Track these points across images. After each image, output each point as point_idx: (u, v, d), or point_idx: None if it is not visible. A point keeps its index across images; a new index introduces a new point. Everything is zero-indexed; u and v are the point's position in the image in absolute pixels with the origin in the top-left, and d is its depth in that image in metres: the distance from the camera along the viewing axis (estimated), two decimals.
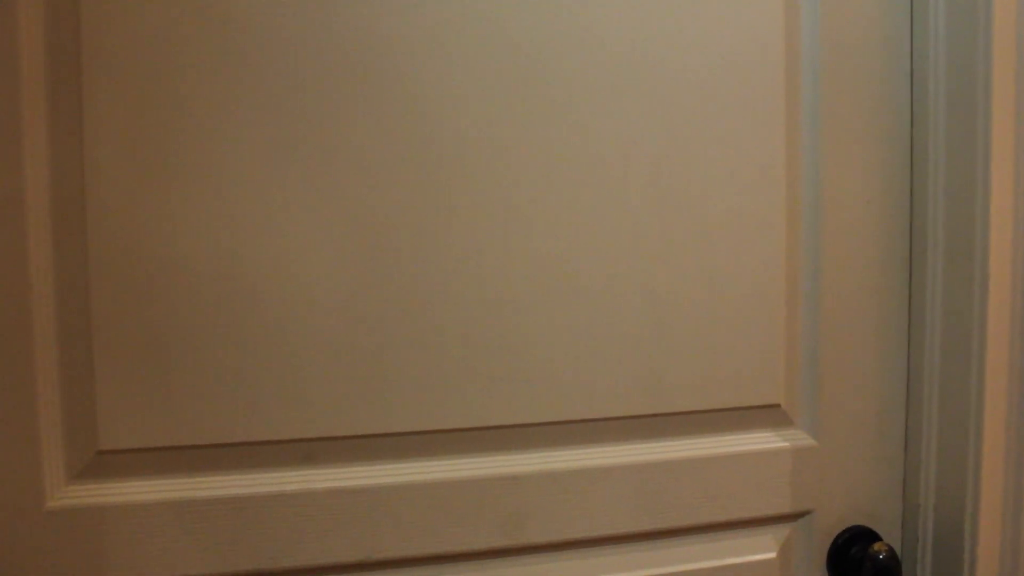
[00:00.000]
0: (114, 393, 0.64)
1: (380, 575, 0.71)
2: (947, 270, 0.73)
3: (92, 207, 0.63)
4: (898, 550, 0.84)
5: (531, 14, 0.71)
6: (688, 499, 0.77)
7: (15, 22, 0.61)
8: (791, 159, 0.79)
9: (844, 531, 0.84)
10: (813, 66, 0.79)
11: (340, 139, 0.67)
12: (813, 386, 0.81)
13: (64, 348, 0.63)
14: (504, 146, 0.71)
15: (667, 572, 0.77)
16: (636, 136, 0.74)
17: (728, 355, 0.78)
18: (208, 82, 0.64)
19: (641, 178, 0.75)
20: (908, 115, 0.82)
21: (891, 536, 0.84)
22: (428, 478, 0.71)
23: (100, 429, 0.64)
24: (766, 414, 0.80)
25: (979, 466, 0.71)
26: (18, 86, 0.61)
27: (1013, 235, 0.69)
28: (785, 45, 0.78)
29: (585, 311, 0.74)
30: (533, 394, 0.73)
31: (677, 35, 0.75)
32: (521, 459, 0.73)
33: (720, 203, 0.77)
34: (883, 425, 0.83)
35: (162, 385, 0.65)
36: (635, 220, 0.75)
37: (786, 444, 0.80)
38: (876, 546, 0.81)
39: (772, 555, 0.81)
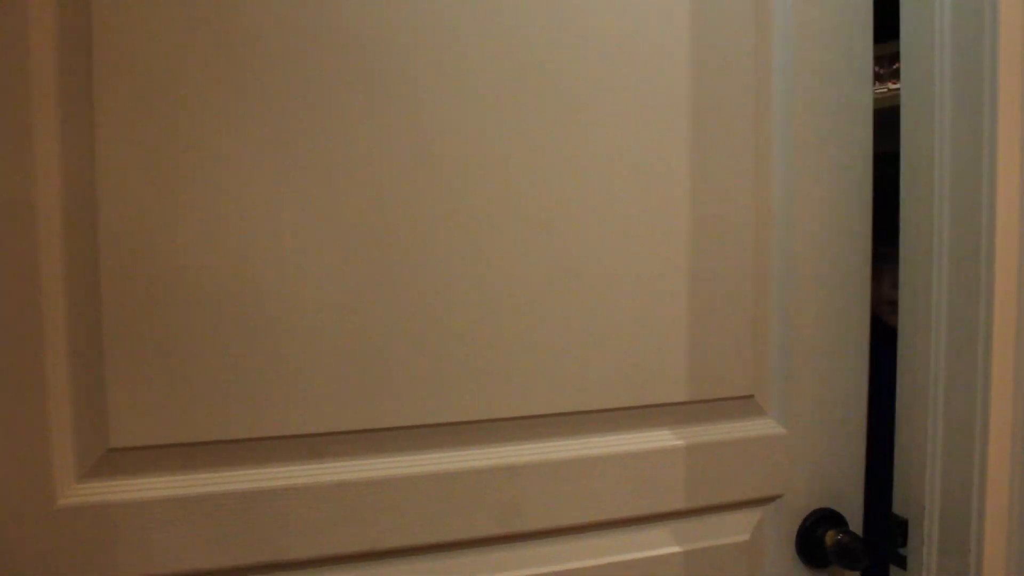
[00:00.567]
0: (124, 392, 0.64)
1: (385, 564, 0.72)
2: (952, 273, 0.71)
3: (103, 209, 0.63)
4: (860, 531, 0.87)
5: (531, 22, 0.73)
6: (671, 486, 0.80)
7: (25, 25, 0.60)
8: (760, 166, 0.82)
9: (811, 514, 0.87)
10: (783, 81, 0.83)
11: (341, 139, 0.67)
12: (783, 378, 0.84)
13: (75, 349, 0.63)
14: (503, 148, 0.72)
15: (651, 555, 0.80)
16: (624, 142, 0.76)
17: (707, 350, 0.81)
18: (214, 85, 0.64)
19: (627, 182, 0.77)
20: (869, 123, 0.86)
21: (854, 517, 0.87)
22: (429, 470, 0.72)
23: (111, 427, 0.64)
24: (741, 405, 0.84)
25: (984, 469, 0.69)
26: (29, 89, 0.60)
27: (1019, 238, 0.67)
28: (755, 64, 0.82)
29: (578, 309, 0.76)
30: (529, 388, 0.75)
31: (660, 49, 0.77)
32: (518, 450, 0.75)
33: (698, 206, 0.79)
34: (846, 414, 0.87)
35: (171, 383, 0.66)
36: (624, 222, 0.77)
37: (759, 433, 0.84)
38: (843, 529, 0.86)
39: (745, 537, 0.84)
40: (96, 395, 0.64)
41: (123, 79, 0.62)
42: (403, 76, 0.69)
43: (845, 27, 0.85)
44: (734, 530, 0.84)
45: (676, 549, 0.81)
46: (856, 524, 0.87)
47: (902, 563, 0.79)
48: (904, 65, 0.75)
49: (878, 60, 1.90)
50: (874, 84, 1.88)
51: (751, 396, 0.84)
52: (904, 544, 0.78)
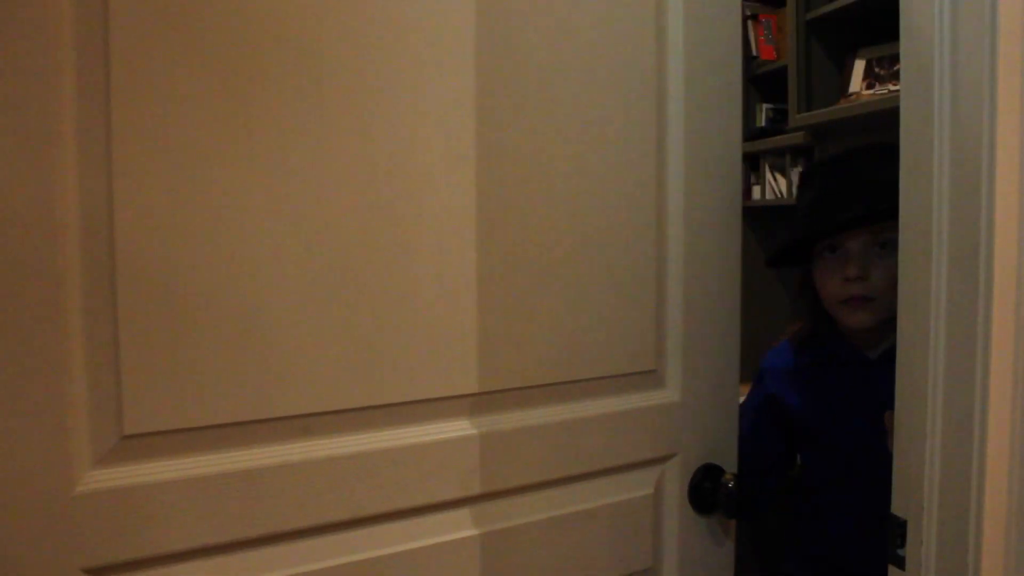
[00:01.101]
0: (138, 382, 0.66)
1: (365, 530, 0.78)
2: (951, 273, 0.70)
3: (118, 212, 0.65)
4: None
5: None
6: (592, 449, 0.91)
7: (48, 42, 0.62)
8: (660, 178, 0.95)
9: (699, 468, 1.00)
10: (677, 106, 0.96)
11: (320, 151, 0.74)
12: (679, 355, 0.97)
13: (92, 344, 0.65)
14: (467, 142, 0.80)
15: (580, 509, 0.91)
16: (557, 149, 0.87)
17: (620, 332, 0.93)
18: (217, 106, 0.69)
19: (561, 186, 0.87)
20: (738, 146, 1.03)
21: (731, 469, 1.02)
22: (403, 443, 0.79)
23: (125, 416, 0.66)
24: (646, 378, 0.96)
25: (983, 469, 0.68)
26: (52, 103, 0.62)
27: (1018, 238, 0.66)
28: (656, 98, 0.95)
29: (516, 300, 0.85)
30: (482, 368, 0.83)
31: (591, 80, 0.90)
32: (473, 423, 0.83)
33: (612, 212, 0.91)
34: (725, 383, 1.02)
35: (180, 373, 0.68)
36: (562, 223, 0.87)
37: (660, 401, 0.96)
38: (725, 477, 0.99)
39: (650, 491, 0.97)
40: (112, 386, 0.66)
41: (135, 96, 0.66)
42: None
43: (725, 65, 1.02)
44: (641, 485, 0.96)
45: (597, 504, 0.92)
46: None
47: (900, 563, 0.79)
48: (904, 66, 0.76)
49: (878, 62, 1.91)
50: (874, 86, 1.89)
51: (654, 370, 0.96)
52: (903, 545, 0.77)
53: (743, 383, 1.07)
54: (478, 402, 0.83)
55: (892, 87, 1.86)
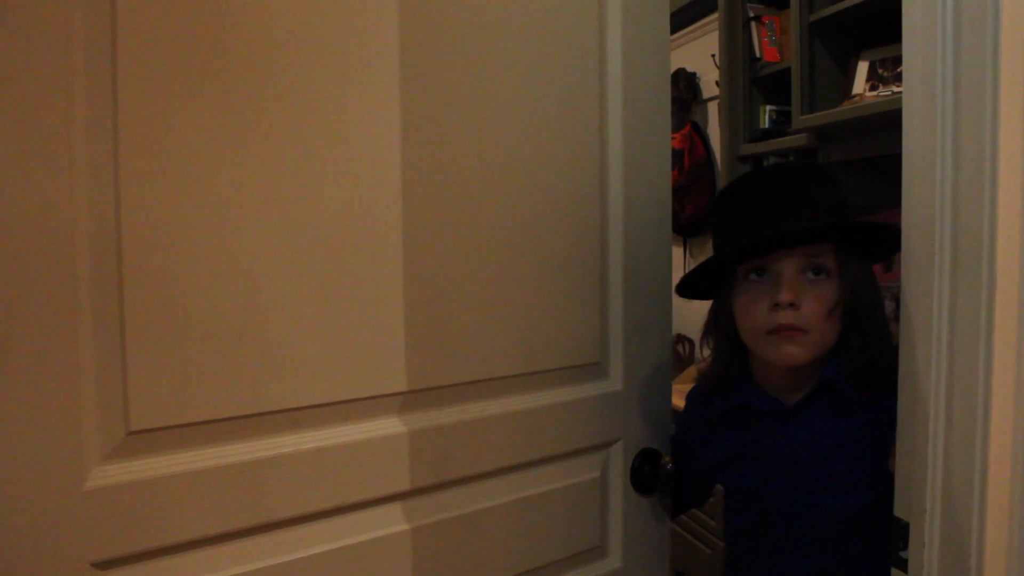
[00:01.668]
0: (143, 380, 0.70)
1: (350, 516, 0.83)
2: (953, 277, 0.69)
3: (125, 216, 0.68)
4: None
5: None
6: (546, 437, 0.99)
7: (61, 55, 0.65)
8: (602, 189, 1.03)
9: (639, 453, 1.06)
10: (616, 112, 1.04)
11: (290, 158, 0.78)
12: (620, 347, 1.05)
13: (100, 344, 0.68)
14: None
15: (535, 493, 0.98)
16: (502, 149, 0.94)
17: (568, 326, 1.00)
18: (217, 115, 0.73)
19: (508, 190, 0.94)
20: (668, 156, 1.11)
21: (666, 453, 1.10)
22: (382, 433, 0.84)
23: (131, 412, 0.69)
24: (592, 369, 1.04)
25: (985, 472, 0.67)
26: (57, 98, 0.65)
27: (1021, 240, 0.66)
28: (599, 113, 1.03)
29: (481, 300, 0.91)
30: (452, 362, 0.90)
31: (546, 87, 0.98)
32: (444, 413, 0.90)
33: (564, 219, 0.99)
34: (661, 373, 1.10)
35: (182, 371, 0.72)
36: (506, 226, 0.94)
37: (604, 391, 1.04)
38: (664, 460, 1.06)
39: (597, 474, 1.05)
40: (118, 384, 0.69)
41: (142, 106, 0.69)
42: None
43: (660, 74, 1.09)
44: (589, 469, 1.04)
45: (552, 487, 1.00)
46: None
47: (903, 566, 0.79)
48: (906, 69, 0.76)
49: (881, 63, 1.91)
50: (878, 87, 1.89)
51: (599, 362, 1.04)
52: (905, 547, 0.77)
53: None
54: (442, 394, 0.90)
55: (896, 89, 1.86)
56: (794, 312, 0.86)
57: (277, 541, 0.78)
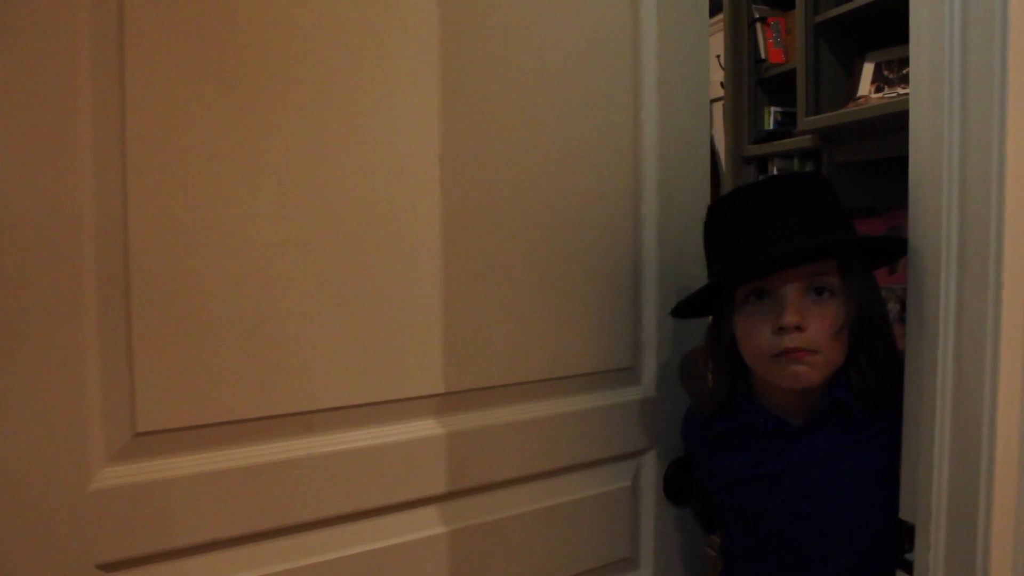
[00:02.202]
0: (150, 381, 0.68)
1: (365, 523, 0.81)
2: (960, 278, 0.69)
3: (132, 217, 0.67)
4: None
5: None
6: (573, 444, 0.95)
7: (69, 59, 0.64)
8: (636, 188, 1.00)
9: (673, 462, 1.03)
10: (651, 111, 1.01)
11: (303, 156, 0.76)
12: (653, 352, 1.02)
13: (106, 345, 0.66)
14: (434, 147, 0.83)
15: (563, 502, 0.95)
16: (536, 153, 0.92)
17: (600, 330, 0.97)
18: (229, 119, 0.71)
19: (541, 191, 0.92)
20: (707, 145, 1.09)
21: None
22: (399, 439, 0.82)
23: (137, 414, 0.68)
24: (623, 375, 1.00)
25: (992, 474, 0.67)
26: (65, 95, 0.64)
27: None
28: (633, 106, 1.00)
29: (508, 296, 0.89)
30: (476, 365, 0.87)
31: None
32: (464, 418, 0.86)
33: (591, 208, 0.96)
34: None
35: (190, 372, 0.70)
36: (538, 229, 0.92)
37: (637, 397, 1.01)
38: (697, 471, 1.00)
39: (628, 484, 1.01)
40: (125, 385, 0.68)
41: (150, 103, 0.68)
42: None
43: (695, 81, 1.07)
44: (620, 477, 1.01)
45: (579, 496, 0.97)
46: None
47: (909, 568, 0.78)
48: (913, 70, 0.75)
49: (887, 65, 1.91)
50: (883, 89, 1.89)
51: (631, 367, 1.01)
52: (911, 550, 0.76)
53: None
54: (465, 399, 0.87)
55: (901, 90, 1.85)
56: (800, 335, 0.82)
57: (288, 546, 0.76)
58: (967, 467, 0.69)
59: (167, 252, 0.69)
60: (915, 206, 0.75)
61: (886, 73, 1.95)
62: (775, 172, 2.33)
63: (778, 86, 2.33)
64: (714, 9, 2.47)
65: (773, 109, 2.36)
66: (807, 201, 0.86)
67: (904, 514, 0.77)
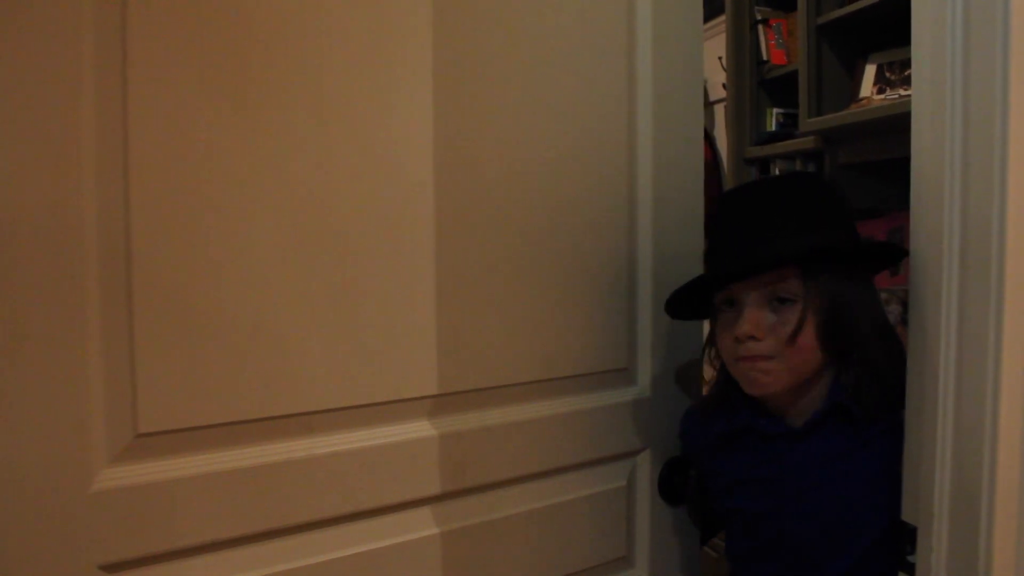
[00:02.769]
0: (152, 382, 0.68)
1: (364, 523, 0.81)
2: (962, 280, 0.69)
3: (135, 219, 0.67)
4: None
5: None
6: (568, 444, 0.96)
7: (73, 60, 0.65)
8: (631, 180, 1.01)
9: (668, 462, 1.04)
10: (646, 114, 1.02)
11: (302, 158, 0.76)
12: (648, 352, 1.02)
13: (108, 345, 0.67)
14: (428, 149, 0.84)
15: (559, 502, 0.96)
16: (532, 155, 0.92)
17: (595, 331, 0.98)
18: (233, 124, 0.71)
19: (537, 192, 0.92)
20: (701, 150, 1.08)
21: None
22: (398, 439, 0.82)
23: (139, 415, 0.68)
24: (618, 375, 1.01)
25: (994, 476, 0.67)
26: (68, 97, 0.64)
27: None
28: (628, 114, 1.01)
29: (504, 297, 0.90)
30: (473, 366, 0.87)
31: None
32: (461, 419, 0.87)
33: (587, 210, 0.96)
34: (691, 380, 1.07)
35: (192, 373, 0.70)
36: (534, 229, 0.92)
37: (631, 398, 1.01)
38: (691, 471, 1.02)
39: (623, 483, 1.02)
40: (127, 385, 0.68)
41: (152, 104, 0.68)
42: None
43: (689, 82, 1.07)
44: (615, 477, 1.01)
45: (575, 496, 0.97)
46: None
47: (911, 570, 0.78)
48: (915, 71, 0.75)
49: (889, 67, 1.90)
50: (885, 90, 1.88)
51: (625, 368, 1.02)
52: (912, 552, 0.76)
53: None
54: (463, 399, 0.87)
55: (903, 92, 1.85)
56: (755, 344, 0.84)
57: (289, 547, 0.77)
58: (969, 469, 0.69)
59: (169, 254, 0.69)
60: (917, 207, 0.75)
61: (888, 75, 1.95)
62: (777, 173, 2.33)
63: (780, 87, 2.33)
64: (716, 11, 2.47)
65: (775, 110, 2.36)
66: (777, 207, 0.87)
67: (906, 516, 0.77)
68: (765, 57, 2.33)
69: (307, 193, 0.75)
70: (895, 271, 1.59)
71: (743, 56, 2.37)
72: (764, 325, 0.84)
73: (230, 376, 0.72)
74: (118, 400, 0.67)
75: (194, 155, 0.69)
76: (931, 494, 0.73)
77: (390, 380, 0.81)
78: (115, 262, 0.67)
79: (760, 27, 2.33)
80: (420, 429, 0.84)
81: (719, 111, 2.70)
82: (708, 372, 1.05)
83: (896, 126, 1.74)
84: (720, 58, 2.49)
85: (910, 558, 0.77)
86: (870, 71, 1.98)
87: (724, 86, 2.50)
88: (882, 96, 1.92)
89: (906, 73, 1.87)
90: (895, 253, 0.91)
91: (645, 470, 1.03)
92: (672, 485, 1.04)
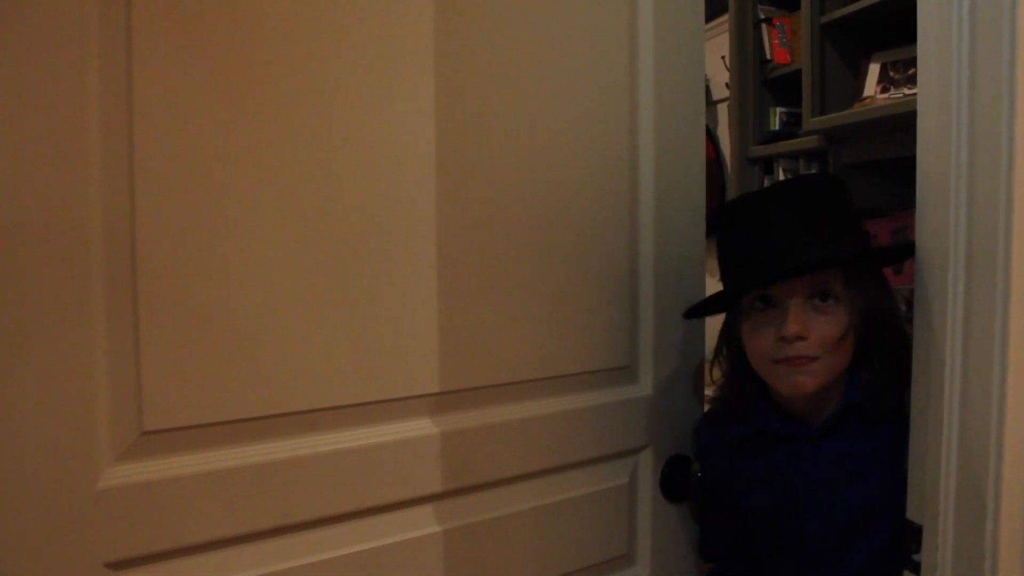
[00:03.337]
0: (157, 380, 0.69)
1: (368, 520, 0.81)
2: (968, 278, 0.69)
3: (140, 219, 0.67)
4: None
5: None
6: (570, 442, 0.96)
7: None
8: (632, 195, 1.01)
9: (669, 460, 1.03)
10: (647, 114, 1.02)
11: (307, 158, 0.76)
12: (650, 350, 1.02)
13: (113, 343, 0.67)
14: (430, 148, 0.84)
15: (561, 499, 0.96)
16: (534, 157, 0.92)
17: (597, 329, 0.98)
18: (239, 131, 0.72)
19: (539, 193, 0.93)
20: (703, 150, 1.09)
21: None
22: (401, 437, 0.82)
23: (144, 412, 0.68)
24: (620, 373, 1.01)
25: (1000, 475, 0.66)
26: (73, 96, 0.64)
27: None
28: (629, 121, 1.01)
29: (506, 295, 0.90)
30: (476, 364, 0.88)
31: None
32: (467, 416, 0.87)
33: (590, 210, 0.96)
34: (693, 378, 1.07)
35: (197, 371, 0.70)
36: (536, 228, 0.92)
37: (633, 395, 1.01)
38: (694, 467, 1.03)
39: (625, 481, 1.02)
40: (132, 383, 0.68)
41: (157, 105, 0.69)
42: None
43: (690, 82, 1.07)
44: (617, 475, 1.01)
45: (578, 493, 0.98)
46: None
47: (916, 569, 0.78)
48: (921, 72, 0.75)
49: (893, 66, 1.90)
50: (889, 89, 1.88)
51: (628, 366, 1.02)
52: (918, 550, 0.76)
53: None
54: (465, 397, 0.87)
55: (907, 91, 1.85)
56: (803, 343, 0.84)
57: (293, 544, 0.77)
58: (975, 467, 0.69)
59: (174, 252, 0.69)
60: (922, 207, 0.75)
61: (892, 74, 1.95)
62: (780, 172, 2.33)
63: (783, 87, 2.33)
64: (719, 10, 2.47)
65: (779, 110, 2.36)
66: (814, 208, 0.87)
67: (911, 514, 0.77)
68: (768, 56, 2.33)
69: (310, 192, 0.75)
70: (899, 270, 1.59)
71: (746, 55, 2.37)
72: (811, 325, 0.84)
73: (234, 374, 0.72)
74: (123, 398, 0.67)
75: (198, 154, 0.69)
76: (936, 492, 0.73)
77: (393, 378, 0.81)
78: (120, 261, 0.67)
79: (763, 26, 2.33)
80: (423, 427, 0.84)
81: (722, 110, 2.70)
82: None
83: (900, 125, 1.73)
84: (723, 57, 2.49)
85: (915, 556, 0.77)
86: (874, 70, 1.98)
87: (727, 85, 2.50)
88: (886, 95, 1.92)
89: (910, 72, 1.87)
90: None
91: (647, 468, 1.03)
92: (674, 483, 1.04)
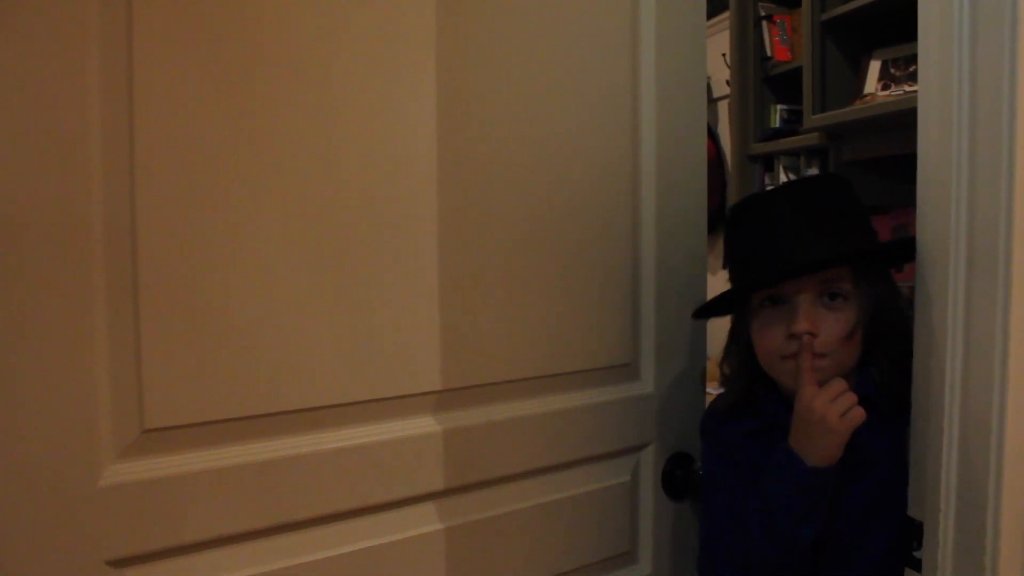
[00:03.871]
0: (158, 378, 0.69)
1: (370, 518, 0.81)
2: (969, 275, 0.69)
3: (140, 218, 0.68)
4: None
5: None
6: (572, 439, 0.96)
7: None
8: (634, 182, 1.01)
9: (671, 457, 1.04)
10: (649, 117, 1.02)
11: (307, 158, 0.77)
12: (652, 348, 1.03)
13: (114, 341, 0.67)
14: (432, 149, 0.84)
15: (563, 497, 0.96)
16: (537, 157, 0.93)
17: (599, 327, 0.98)
18: (238, 132, 0.72)
19: (543, 194, 0.93)
20: (704, 155, 1.09)
21: (698, 457, 1.06)
22: (403, 435, 0.83)
23: (145, 410, 0.68)
24: (623, 371, 1.01)
25: (1000, 471, 0.66)
26: (74, 97, 0.64)
27: None
28: (631, 125, 1.01)
29: (508, 293, 0.90)
30: (478, 362, 0.88)
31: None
32: (469, 414, 0.87)
33: (592, 210, 0.97)
34: (694, 375, 1.07)
35: (198, 369, 0.71)
36: (539, 228, 0.93)
37: (635, 393, 1.02)
38: (695, 465, 1.03)
39: (627, 478, 1.02)
40: (133, 382, 0.68)
41: (158, 106, 0.69)
42: None
43: (693, 85, 1.08)
44: (619, 473, 1.02)
45: (580, 491, 0.98)
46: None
47: (917, 566, 0.78)
48: (922, 69, 0.75)
49: (893, 63, 1.90)
50: (890, 87, 1.88)
51: (630, 364, 1.02)
52: (919, 547, 0.76)
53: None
54: (467, 395, 0.88)
55: (908, 88, 1.84)
56: (812, 340, 0.84)
57: (295, 542, 0.77)
58: (976, 464, 0.69)
59: (175, 250, 0.69)
60: (923, 204, 0.75)
61: (892, 71, 1.94)
62: (781, 169, 2.33)
63: (784, 84, 2.32)
64: (720, 7, 2.46)
65: (779, 107, 2.35)
66: (822, 207, 0.88)
67: (912, 511, 0.77)
68: (769, 53, 2.33)
69: (312, 190, 0.75)
70: (899, 267, 1.59)
71: (747, 52, 2.37)
72: (820, 322, 0.85)
73: (236, 372, 0.72)
74: (125, 395, 0.67)
75: (199, 152, 0.70)
76: (938, 489, 0.72)
77: (395, 376, 0.81)
78: (121, 258, 0.67)
79: (764, 23, 2.32)
80: (425, 425, 0.84)
81: (723, 108, 2.70)
82: (710, 368, 1.05)
83: (901, 122, 1.73)
84: (724, 55, 2.48)
85: (916, 553, 0.77)
86: (874, 67, 1.98)
87: (728, 82, 2.49)
88: (887, 92, 1.91)
89: (911, 69, 1.86)
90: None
91: (649, 465, 1.03)
92: (675, 480, 1.04)
